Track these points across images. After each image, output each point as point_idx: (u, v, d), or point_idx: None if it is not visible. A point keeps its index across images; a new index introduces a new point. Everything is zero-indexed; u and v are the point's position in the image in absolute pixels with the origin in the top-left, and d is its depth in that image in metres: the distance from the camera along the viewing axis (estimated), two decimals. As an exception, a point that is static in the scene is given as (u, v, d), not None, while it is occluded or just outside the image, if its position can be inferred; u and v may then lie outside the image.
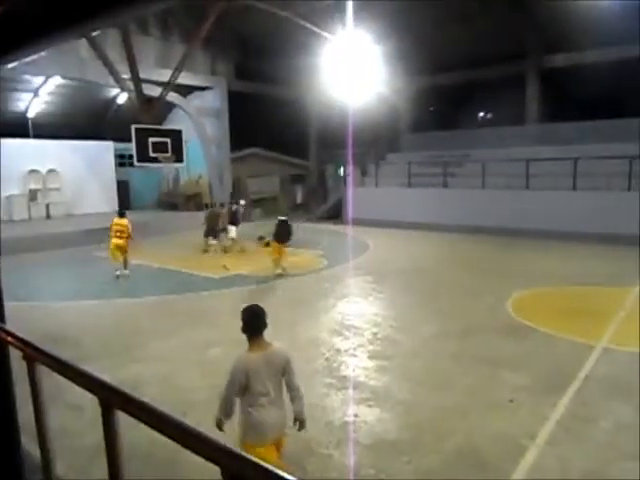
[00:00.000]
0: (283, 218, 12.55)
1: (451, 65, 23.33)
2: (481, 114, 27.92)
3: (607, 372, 6.25)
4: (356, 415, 5.29)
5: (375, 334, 7.91)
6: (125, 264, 12.40)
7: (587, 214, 16.50)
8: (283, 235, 12.22)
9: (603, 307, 9.18)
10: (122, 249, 12.24)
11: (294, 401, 3.67)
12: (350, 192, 22.26)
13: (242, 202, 17.56)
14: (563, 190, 17.75)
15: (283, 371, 3.63)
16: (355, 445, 4.73)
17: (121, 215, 12.65)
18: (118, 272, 12.23)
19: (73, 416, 5.12)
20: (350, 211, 21.10)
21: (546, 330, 7.87)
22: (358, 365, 6.68)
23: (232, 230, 15.90)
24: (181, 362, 6.92)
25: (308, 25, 19.23)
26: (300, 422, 3.69)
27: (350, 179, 23.65)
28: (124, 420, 1.66)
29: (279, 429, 3.60)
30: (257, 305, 3.72)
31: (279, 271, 12.28)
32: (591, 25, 17.69)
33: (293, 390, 3.67)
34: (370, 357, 6.97)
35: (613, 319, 8.28)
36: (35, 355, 2.23)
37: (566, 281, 11.12)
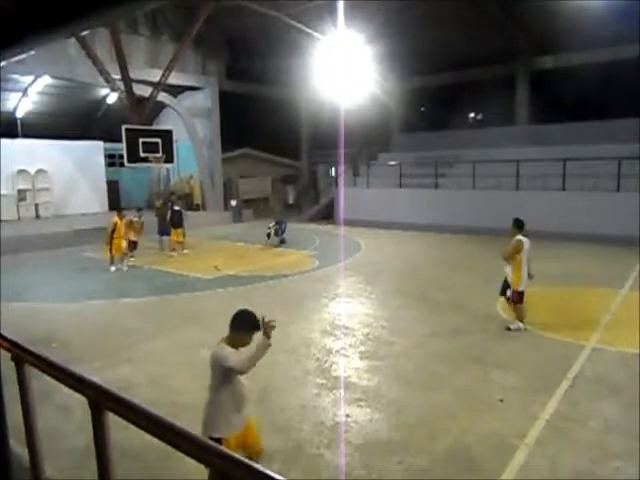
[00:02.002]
0: (177, 208, 15.56)
1: (442, 66, 23.45)
2: (471, 115, 28.11)
3: (597, 372, 6.29)
4: (347, 415, 5.29)
5: (366, 334, 7.92)
6: (111, 259, 13.37)
7: (576, 215, 16.64)
8: (177, 221, 15.38)
9: (593, 307, 9.25)
10: (109, 244, 13.25)
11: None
12: (341, 193, 22.29)
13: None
14: (552, 191, 17.89)
15: (211, 367, 3.60)
16: (346, 445, 4.73)
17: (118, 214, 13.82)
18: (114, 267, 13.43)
19: (62, 417, 5.08)
20: (341, 211, 21.13)
21: (536, 330, 7.92)
22: (349, 365, 6.68)
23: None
24: (174, 363, 6.89)
25: (299, 25, 19.24)
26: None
27: (341, 179, 23.70)
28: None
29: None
30: (245, 309, 3.82)
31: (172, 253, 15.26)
32: (580, 27, 17.85)
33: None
34: (361, 357, 6.98)
35: (602, 319, 8.35)
36: (24, 356, 2.21)
37: (555, 281, 11.18)
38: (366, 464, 4.42)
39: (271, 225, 16.99)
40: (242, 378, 3.65)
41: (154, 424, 1.49)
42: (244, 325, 3.64)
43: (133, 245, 14.36)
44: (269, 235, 16.74)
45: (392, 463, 4.43)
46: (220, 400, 3.56)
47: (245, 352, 3.58)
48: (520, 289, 7.89)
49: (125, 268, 13.39)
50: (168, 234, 15.68)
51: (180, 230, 15.30)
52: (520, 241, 7.90)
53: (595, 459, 4.42)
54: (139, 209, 15.57)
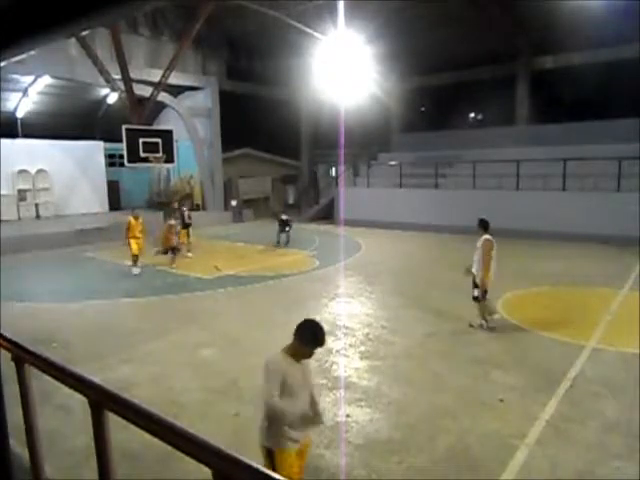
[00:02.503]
0: (184, 209, 15.46)
1: (442, 66, 23.45)
2: (472, 115, 28.09)
3: (597, 372, 6.29)
4: (348, 415, 5.29)
5: (367, 334, 7.92)
6: (134, 261, 12.93)
7: (576, 215, 16.63)
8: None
9: (593, 307, 9.25)
10: (128, 245, 12.95)
11: None
12: (342, 192, 22.28)
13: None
14: (553, 191, 17.89)
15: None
16: (347, 445, 4.73)
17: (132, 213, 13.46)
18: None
19: (62, 417, 5.08)
20: (342, 211, 21.12)
21: (536, 330, 7.92)
22: (350, 365, 6.69)
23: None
24: (173, 363, 6.88)
25: (299, 25, 19.24)
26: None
27: (341, 179, 23.70)
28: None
29: None
30: (313, 320, 3.49)
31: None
32: (580, 27, 17.84)
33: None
34: (362, 357, 6.98)
35: (602, 319, 8.35)
36: (24, 356, 2.21)
37: (556, 281, 11.20)
38: (366, 464, 4.42)
39: (284, 218, 16.78)
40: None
41: (154, 424, 1.49)
42: (309, 337, 3.33)
43: (173, 251, 13.46)
44: (279, 220, 16.63)
45: (392, 463, 4.43)
46: (271, 410, 3.22)
47: (284, 398, 3.19)
48: (487, 288, 8.00)
49: (137, 271, 12.80)
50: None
51: (184, 231, 15.10)
52: (490, 240, 8.00)
53: (595, 459, 4.42)
54: (174, 211, 14.85)
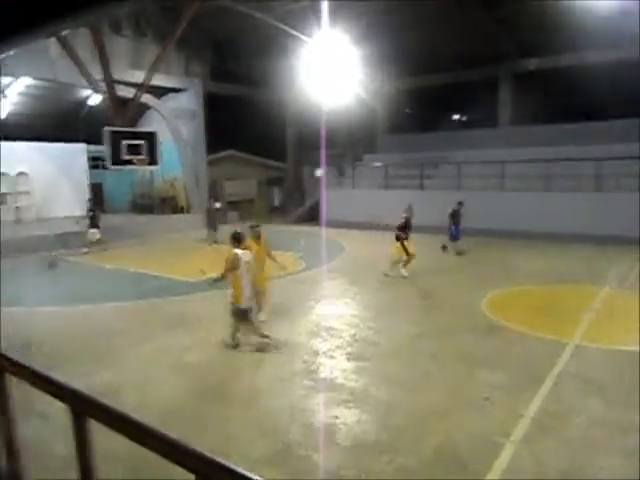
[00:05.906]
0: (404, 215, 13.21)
1: (428, 67, 23.55)
2: (457, 116, 28.29)
3: (580, 369, 6.37)
4: (335, 417, 5.28)
5: (353, 335, 7.92)
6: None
7: (559, 215, 16.85)
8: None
9: (575, 305, 9.37)
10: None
11: None
12: (324, 194, 22.20)
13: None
14: (536, 191, 18.09)
15: None
16: (335, 446, 4.72)
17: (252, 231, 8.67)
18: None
19: (44, 425, 5.00)
20: (324, 213, 21.06)
21: (520, 329, 7.99)
22: (337, 367, 6.68)
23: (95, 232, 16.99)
24: (158, 368, 6.81)
25: (284, 27, 19.21)
26: None
27: (323, 181, 23.60)
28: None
29: None
30: None
31: None
32: (565, 29, 18.03)
33: None
34: (349, 359, 6.97)
35: (585, 317, 8.46)
36: (4, 364, 2.16)
37: (539, 280, 11.32)
38: (355, 464, 4.41)
39: None
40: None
41: (136, 430, 1.46)
42: None
43: None
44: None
45: (381, 463, 4.43)
46: None
47: None
48: (243, 306, 7.09)
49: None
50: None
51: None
52: (235, 254, 7.14)
53: (580, 455, 4.46)
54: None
